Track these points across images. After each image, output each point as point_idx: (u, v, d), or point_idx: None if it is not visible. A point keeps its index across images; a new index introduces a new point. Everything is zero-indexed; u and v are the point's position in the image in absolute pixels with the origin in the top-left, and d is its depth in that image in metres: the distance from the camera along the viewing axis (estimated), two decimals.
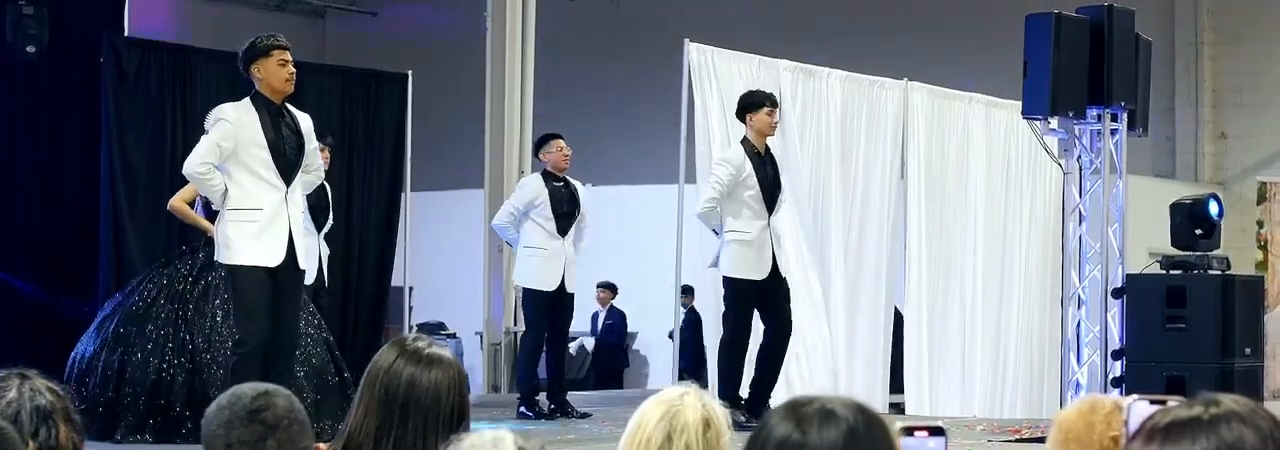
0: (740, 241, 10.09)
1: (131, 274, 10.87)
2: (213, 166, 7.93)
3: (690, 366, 14.45)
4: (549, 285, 10.99)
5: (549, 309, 11.08)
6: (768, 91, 10.60)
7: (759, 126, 10.19)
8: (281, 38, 8.25)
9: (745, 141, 10.26)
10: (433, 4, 22.04)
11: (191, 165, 7.98)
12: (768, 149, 10.27)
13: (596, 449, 8.84)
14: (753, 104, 10.25)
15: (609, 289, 18.98)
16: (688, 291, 16.34)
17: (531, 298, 11.15)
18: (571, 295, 11.18)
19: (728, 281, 10.15)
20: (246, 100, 8.04)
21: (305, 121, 8.18)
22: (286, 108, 8.13)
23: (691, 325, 15.68)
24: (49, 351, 10.54)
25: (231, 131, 7.90)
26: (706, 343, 12.67)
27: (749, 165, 10.10)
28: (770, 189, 10.17)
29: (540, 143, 11.51)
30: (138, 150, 12.03)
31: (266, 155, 7.91)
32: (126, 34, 12.95)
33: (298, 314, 8.32)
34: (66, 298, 11.99)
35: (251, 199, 7.93)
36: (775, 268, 10.14)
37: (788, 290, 10.37)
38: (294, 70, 8.12)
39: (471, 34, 14.91)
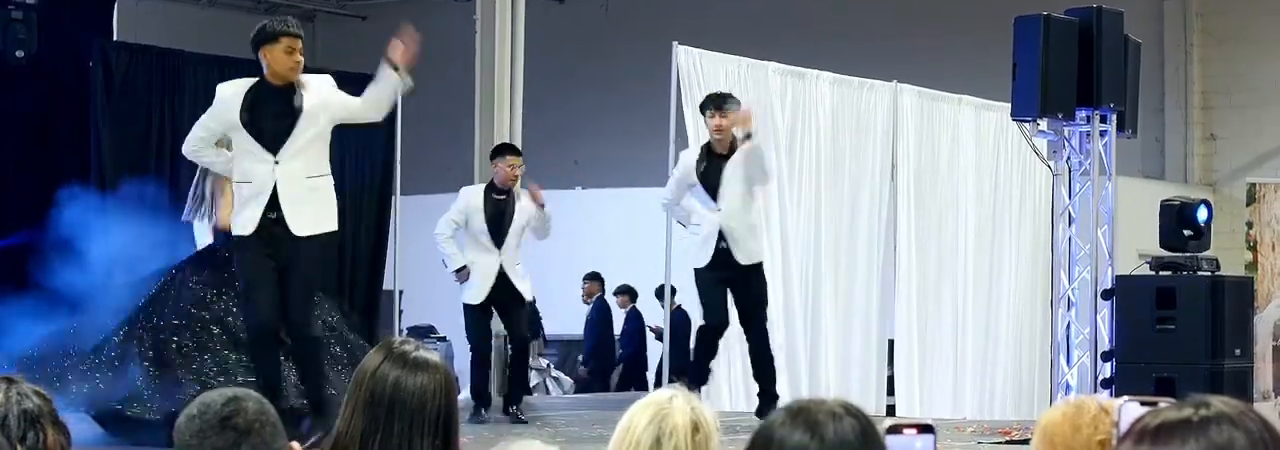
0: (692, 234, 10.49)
1: (121, 278, 10.83)
2: (205, 142, 8.38)
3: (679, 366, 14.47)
4: (473, 299, 11.12)
5: (484, 320, 11.29)
6: (722, 94, 10.66)
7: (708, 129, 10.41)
8: (293, 24, 8.45)
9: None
10: (422, 7, 22.02)
11: (185, 145, 8.53)
12: (731, 147, 10.31)
13: None
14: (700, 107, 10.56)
15: (610, 288, 18.75)
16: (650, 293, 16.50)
17: (464, 310, 11.30)
18: (523, 303, 11.29)
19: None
20: (248, 80, 8.31)
21: (316, 89, 8.29)
22: (296, 84, 8.25)
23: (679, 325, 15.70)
24: None
25: (218, 111, 8.29)
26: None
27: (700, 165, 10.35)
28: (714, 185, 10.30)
29: (493, 153, 11.57)
30: (126, 153, 12.02)
31: (246, 133, 8.18)
32: (115, 38, 12.94)
33: (304, 289, 8.29)
34: None
35: (241, 172, 8.26)
36: (733, 260, 10.23)
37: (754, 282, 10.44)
38: (301, 59, 8.28)
39: (461, 37, 14.89)
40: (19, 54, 12.16)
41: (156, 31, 16.41)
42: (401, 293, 14.78)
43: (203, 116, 8.43)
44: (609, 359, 18.71)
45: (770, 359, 10.56)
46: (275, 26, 8.34)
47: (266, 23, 8.43)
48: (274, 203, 8.14)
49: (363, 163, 13.61)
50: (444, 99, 15.91)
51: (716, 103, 10.37)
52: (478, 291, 11.13)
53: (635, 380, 18.45)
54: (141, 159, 12.12)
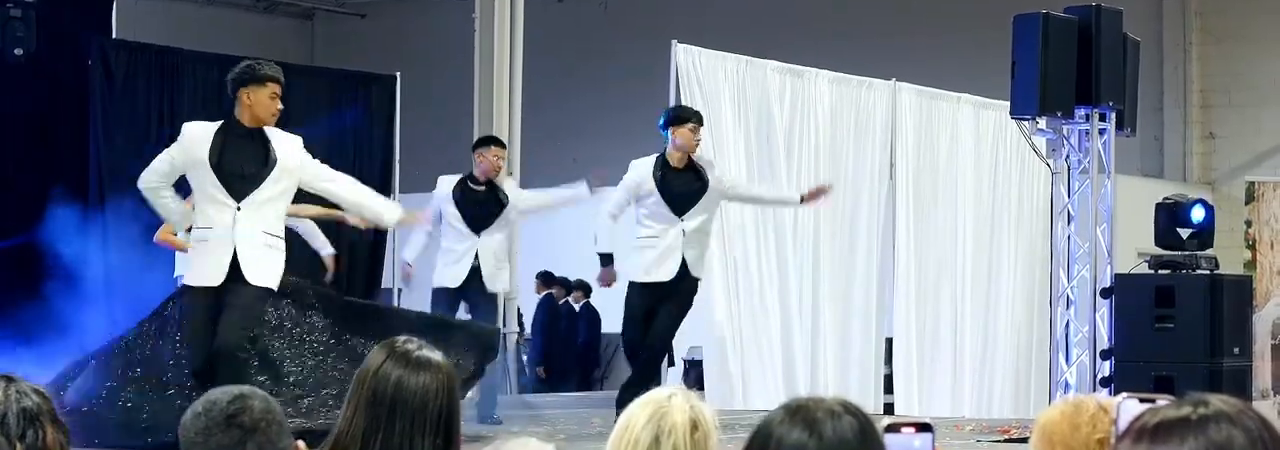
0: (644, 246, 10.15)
1: (120, 277, 10.85)
2: (167, 178, 7.98)
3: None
4: (444, 282, 10.91)
5: (454, 307, 11.02)
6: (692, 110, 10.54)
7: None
8: (278, 70, 8.12)
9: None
10: (421, 6, 22.02)
11: (143, 178, 8.08)
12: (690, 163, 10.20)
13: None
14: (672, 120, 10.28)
15: (558, 283, 18.72)
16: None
17: (434, 294, 11.10)
18: (491, 295, 11.01)
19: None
20: (213, 123, 7.97)
21: (290, 146, 8.03)
22: (266, 131, 7.99)
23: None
24: None
25: (185, 147, 7.92)
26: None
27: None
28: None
29: (477, 144, 11.43)
30: (125, 152, 12.02)
31: (213, 176, 7.86)
32: (114, 36, 12.94)
33: (237, 321, 7.99)
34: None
35: (202, 218, 7.94)
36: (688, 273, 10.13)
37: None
38: (280, 108, 8.02)
39: (460, 35, 14.90)
40: (18, 52, 12.16)
41: (156, 30, 16.42)
42: (400, 291, 14.76)
43: (168, 150, 8.04)
44: (566, 358, 18.75)
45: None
46: (265, 70, 8.00)
47: (253, 64, 8.08)
48: (234, 253, 7.85)
49: (362, 161, 13.61)
50: (443, 98, 15.92)
51: (700, 119, 10.29)
52: (451, 277, 10.95)
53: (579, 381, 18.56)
54: (141, 157, 12.11)
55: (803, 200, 10.52)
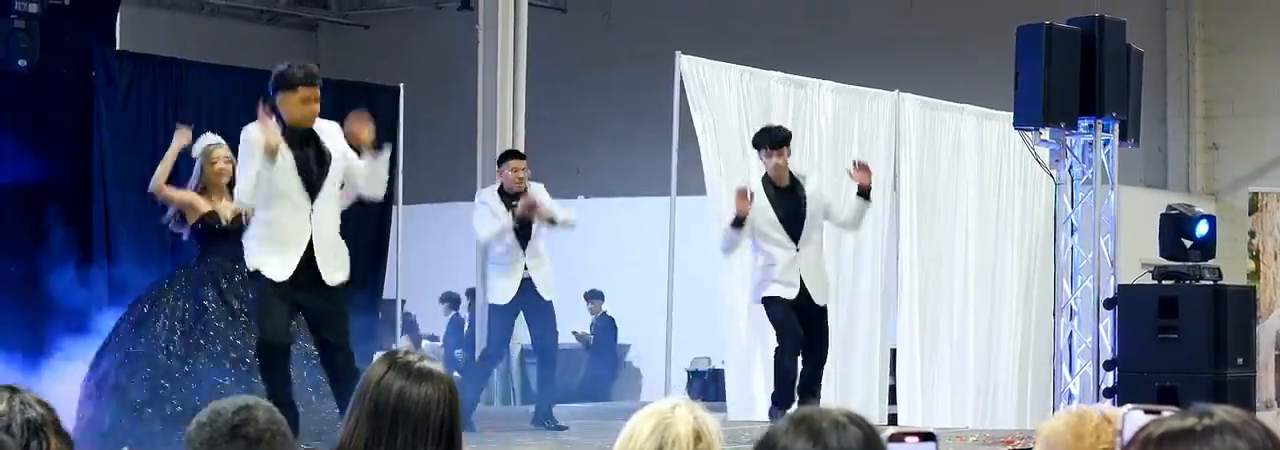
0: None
1: (124, 287, 10.84)
2: (259, 188, 8.08)
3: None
4: (501, 299, 11.00)
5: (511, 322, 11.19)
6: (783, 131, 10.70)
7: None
8: (314, 72, 8.17)
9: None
10: (424, 17, 22.04)
11: (240, 199, 8.32)
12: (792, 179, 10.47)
13: None
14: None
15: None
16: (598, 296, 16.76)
17: (489, 312, 11.27)
18: (547, 304, 11.09)
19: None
20: (269, 123, 8.06)
21: (332, 135, 8.18)
22: (315, 130, 8.15)
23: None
24: None
25: (255, 152, 8.00)
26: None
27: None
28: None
29: (500, 160, 11.52)
30: (129, 162, 12.02)
31: (289, 176, 8.08)
32: (117, 47, 12.94)
33: (341, 321, 8.37)
34: None
35: (268, 217, 8.18)
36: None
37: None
38: (316, 108, 8.12)
39: (463, 46, 14.91)
40: (22, 63, 12.15)
41: (159, 41, 16.44)
42: (403, 302, 14.78)
43: (246, 165, 8.11)
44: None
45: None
46: (297, 74, 8.07)
47: (287, 69, 8.12)
48: (310, 251, 8.10)
49: None
50: (446, 107, 15.93)
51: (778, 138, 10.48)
52: (502, 293, 11.04)
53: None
54: (144, 167, 12.11)
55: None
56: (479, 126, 14.15)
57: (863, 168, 10.67)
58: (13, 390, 3.31)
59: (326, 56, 22.60)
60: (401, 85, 13.80)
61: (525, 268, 10.94)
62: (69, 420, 4.27)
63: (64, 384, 9.48)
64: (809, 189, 10.51)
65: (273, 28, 22.53)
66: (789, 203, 10.42)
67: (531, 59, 14.40)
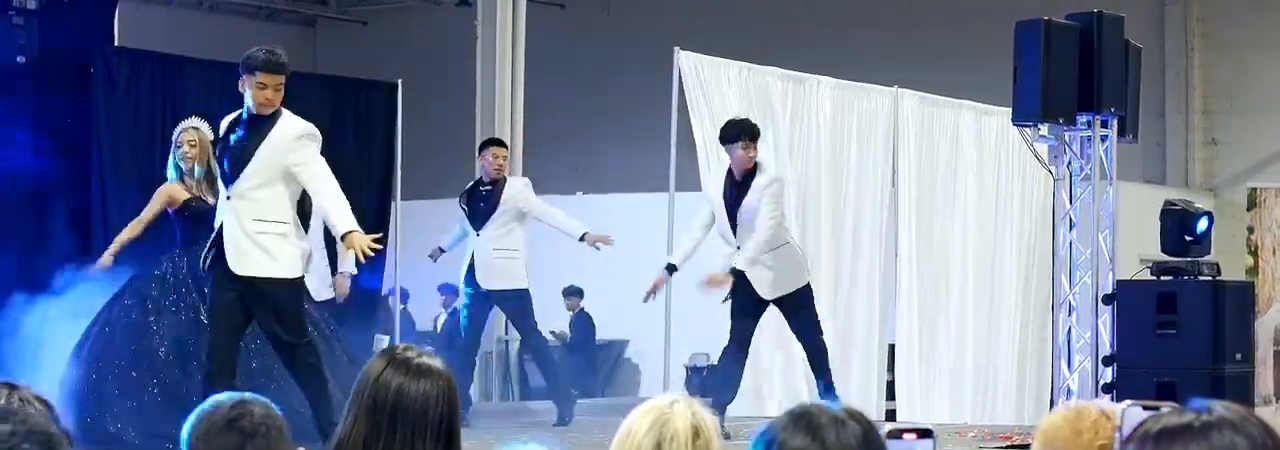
0: None
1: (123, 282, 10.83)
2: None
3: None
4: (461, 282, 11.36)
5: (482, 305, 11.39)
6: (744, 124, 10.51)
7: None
8: (275, 57, 8.05)
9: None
10: (423, 13, 22.03)
11: None
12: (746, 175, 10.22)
13: None
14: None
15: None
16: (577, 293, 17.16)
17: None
18: (490, 294, 11.26)
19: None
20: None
21: (282, 128, 8.09)
22: (274, 115, 8.08)
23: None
24: None
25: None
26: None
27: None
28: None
29: (480, 147, 11.76)
30: (128, 159, 12.02)
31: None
32: (116, 43, 12.94)
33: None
34: None
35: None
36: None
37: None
38: (271, 96, 8.00)
39: (461, 42, 14.90)
40: (20, 60, 12.16)
41: (158, 37, 16.42)
42: (404, 294, 14.78)
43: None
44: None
45: None
46: (256, 58, 8.00)
47: (252, 52, 8.07)
48: (218, 240, 8.10)
49: (364, 168, 13.60)
50: (445, 104, 15.92)
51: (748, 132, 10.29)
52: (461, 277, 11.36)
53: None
54: (144, 165, 12.11)
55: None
56: (477, 122, 14.15)
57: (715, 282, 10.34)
58: (11, 387, 3.32)
59: (325, 52, 22.59)
60: (400, 81, 13.80)
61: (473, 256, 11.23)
62: (67, 417, 4.27)
63: (62, 380, 9.48)
64: (758, 181, 10.20)
65: (271, 24, 22.52)
66: (739, 197, 10.25)
67: (530, 54, 14.40)
